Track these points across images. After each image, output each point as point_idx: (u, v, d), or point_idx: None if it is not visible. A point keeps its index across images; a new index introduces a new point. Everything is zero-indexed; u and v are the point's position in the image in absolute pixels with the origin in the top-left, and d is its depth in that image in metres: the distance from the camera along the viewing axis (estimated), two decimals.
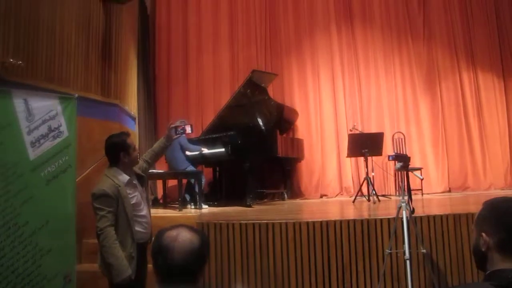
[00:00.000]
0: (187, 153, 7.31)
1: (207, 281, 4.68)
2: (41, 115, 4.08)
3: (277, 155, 7.45)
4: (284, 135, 8.36)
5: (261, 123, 7.36)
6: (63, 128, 4.23)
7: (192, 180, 7.31)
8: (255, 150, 7.12)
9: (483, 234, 1.67)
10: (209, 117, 8.47)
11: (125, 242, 3.21)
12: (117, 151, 3.32)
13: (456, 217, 4.73)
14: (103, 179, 3.26)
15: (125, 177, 3.30)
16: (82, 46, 5.98)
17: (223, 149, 7.10)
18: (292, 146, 8.08)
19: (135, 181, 3.41)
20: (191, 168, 7.22)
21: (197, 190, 7.04)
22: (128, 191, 3.28)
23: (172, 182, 7.89)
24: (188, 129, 3.74)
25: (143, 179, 3.55)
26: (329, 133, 8.77)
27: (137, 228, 3.31)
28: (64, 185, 4.14)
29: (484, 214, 1.71)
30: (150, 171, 6.47)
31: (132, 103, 7.69)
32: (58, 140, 4.17)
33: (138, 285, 3.25)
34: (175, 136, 3.76)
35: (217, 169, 8.22)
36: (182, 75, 9.17)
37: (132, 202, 3.28)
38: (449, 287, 4.50)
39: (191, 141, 7.53)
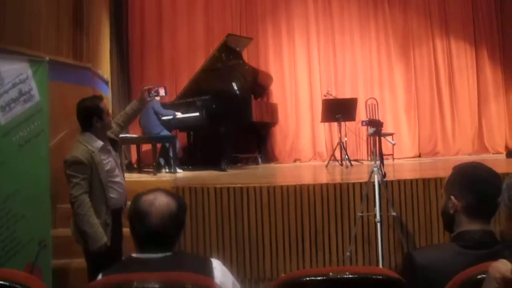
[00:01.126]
0: (162, 117, 7.27)
1: (182, 245, 4.73)
2: (11, 79, 3.96)
3: (251, 120, 7.45)
4: (259, 100, 8.35)
5: (235, 88, 7.33)
6: (34, 92, 4.13)
7: (167, 145, 7.29)
8: (230, 114, 7.11)
9: (452, 198, 1.74)
10: (184, 82, 8.36)
11: (99, 209, 3.18)
12: (89, 115, 3.25)
13: (426, 182, 4.85)
14: (76, 145, 3.20)
15: (98, 143, 3.25)
16: (52, 9, 5.79)
17: (197, 114, 7.06)
18: (267, 111, 8.09)
19: (109, 147, 3.37)
20: (165, 132, 7.20)
21: (171, 154, 7.04)
22: (102, 157, 3.24)
23: (146, 147, 7.85)
24: (161, 91, 3.68)
25: (116, 144, 3.50)
26: (303, 98, 8.79)
27: (112, 194, 3.28)
28: (37, 150, 4.07)
29: (453, 179, 1.77)
30: (124, 135, 6.44)
31: (105, 67, 7.54)
32: (30, 104, 4.07)
33: (114, 250, 3.24)
34: (149, 99, 3.67)
35: (191, 133, 8.20)
36: (156, 39, 8.99)
37: (106, 168, 3.24)
38: (417, 248, 4.64)
39: (165, 105, 7.47)
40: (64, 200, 4.40)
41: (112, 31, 8.04)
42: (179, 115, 7.29)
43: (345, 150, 7.35)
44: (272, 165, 8.37)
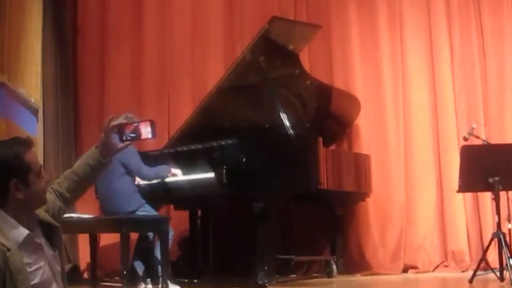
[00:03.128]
0: (140, 181, 7.36)
1: None
2: None
3: (317, 187, 7.43)
4: (333, 147, 8.37)
5: (287, 123, 7.34)
6: None
7: (150, 235, 7.32)
8: (275, 176, 7.11)
9: None
10: (184, 111, 8.52)
11: None
12: (3, 178, 3.28)
13: None
14: None
15: (21, 232, 3.25)
16: None
17: (211, 174, 7.06)
18: (349, 170, 8.06)
19: (39, 239, 3.36)
20: (146, 210, 7.24)
21: (158, 254, 7.07)
22: (27, 260, 3.21)
23: (108, 239, 7.87)
24: (144, 130, 3.68)
25: (55, 233, 3.50)
26: (421, 143, 8.75)
27: None
28: None
29: None
30: (68, 215, 6.46)
31: (32, 83, 7.69)
32: None
33: None
34: (121, 145, 3.69)
35: (198, 213, 8.22)
36: (130, 28, 9.17)
37: (33, 282, 3.22)
38: None
39: (148, 156, 7.57)
40: None
41: (47, 16, 8.22)
42: (176, 175, 7.33)
43: (508, 248, 7.20)
44: (360, 278, 8.35)
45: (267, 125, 7.43)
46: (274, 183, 7.07)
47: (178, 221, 8.18)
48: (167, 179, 7.32)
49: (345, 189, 8.00)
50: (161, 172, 7.31)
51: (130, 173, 7.22)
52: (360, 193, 8.39)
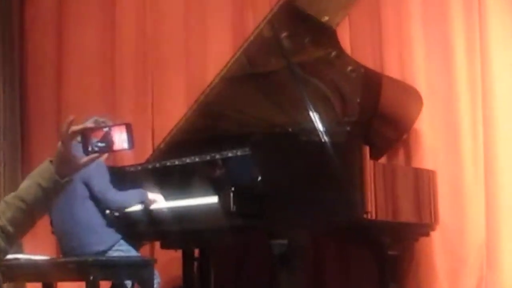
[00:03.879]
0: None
1: None
2: None
3: (363, 217, 7.36)
4: (384, 160, 8.38)
5: (319, 126, 7.30)
6: None
7: (127, 284, 7.31)
8: (303, 201, 7.06)
9: None
10: (174, 110, 8.58)
11: None
12: None
13: None
14: None
15: None
16: None
17: (213, 199, 7.02)
18: (407, 192, 8.01)
19: None
20: (122, 248, 7.28)
21: None
22: None
23: None
24: (118, 138, 3.61)
25: None
26: (508, 155, 8.66)
27: None
28: None
29: None
30: (11, 256, 6.44)
31: None
32: None
33: None
34: (85, 159, 3.62)
35: (195, 253, 8.18)
36: None
37: None
38: None
39: (124, 175, 7.55)
40: None
41: None
42: (159, 202, 7.33)
43: None
44: None
45: (291, 129, 7.39)
46: (301, 212, 7.01)
47: (167, 264, 8.19)
48: (152, 207, 7.29)
49: (401, 219, 7.90)
50: (134, 199, 7.29)
51: (94, 197, 7.19)
52: (422, 225, 8.31)
